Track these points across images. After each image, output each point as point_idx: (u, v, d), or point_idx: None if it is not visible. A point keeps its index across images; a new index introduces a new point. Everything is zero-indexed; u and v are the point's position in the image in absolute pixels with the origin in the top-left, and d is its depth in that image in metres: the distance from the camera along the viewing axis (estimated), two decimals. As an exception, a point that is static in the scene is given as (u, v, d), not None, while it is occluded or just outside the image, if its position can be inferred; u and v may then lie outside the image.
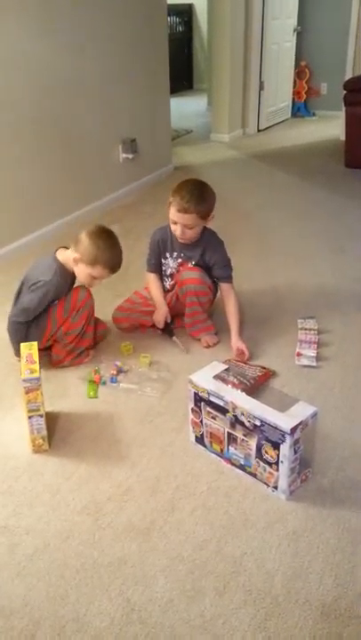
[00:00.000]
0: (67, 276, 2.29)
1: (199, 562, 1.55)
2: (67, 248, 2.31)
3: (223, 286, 2.52)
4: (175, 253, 2.54)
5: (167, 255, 2.57)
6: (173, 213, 2.37)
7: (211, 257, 2.49)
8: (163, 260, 2.59)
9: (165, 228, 2.53)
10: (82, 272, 2.26)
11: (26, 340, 2.17)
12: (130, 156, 4.41)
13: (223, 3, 5.69)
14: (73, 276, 2.32)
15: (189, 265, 2.50)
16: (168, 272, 2.59)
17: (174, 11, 8.43)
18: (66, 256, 2.27)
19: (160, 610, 1.43)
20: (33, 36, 3.35)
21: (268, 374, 2.27)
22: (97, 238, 2.22)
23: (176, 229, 2.41)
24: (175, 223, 2.40)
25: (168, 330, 2.55)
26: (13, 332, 2.28)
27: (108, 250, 2.23)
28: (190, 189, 2.35)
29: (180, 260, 2.54)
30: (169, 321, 2.55)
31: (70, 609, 1.44)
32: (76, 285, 2.35)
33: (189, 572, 1.52)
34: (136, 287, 2.71)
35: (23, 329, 2.26)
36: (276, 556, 1.56)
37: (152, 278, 2.61)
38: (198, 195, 2.34)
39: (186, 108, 7.83)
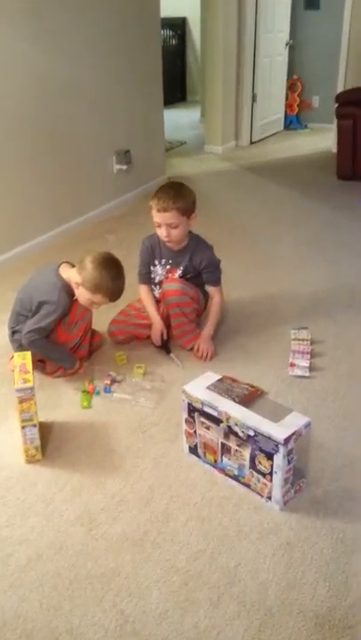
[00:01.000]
0: (69, 294, 2.28)
1: (193, 573, 1.55)
2: (69, 263, 2.32)
3: (210, 289, 2.56)
4: (163, 260, 2.56)
5: (156, 262, 2.58)
6: (155, 215, 2.41)
7: (200, 260, 2.51)
8: (152, 268, 2.60)
9: (154, 235, 2.55)
10: (82, 296, 2.25)
11: (46, 348, 2.25)
12: (124, 167, 4.43)
13: (216, 16, 5.75)
14: (74, 293, 2.31)
15: (178, 271, 2.53)
16: (157, 279, 2.60)
17: (168, 24, 8.50)
18: (69, 275, 2.26)
19: (154, 621, 1.42)
20: (26, 47, 3.37)
21: (256, 393, 2.22)
22: (102, 268, 2.20)
23: (162, 232, 2.44)
24: (159, 226, 2.43)
25: (165, 347, 2.54)
26: (39, 348, 2.25)
27: (112, 281, 2.22)
28: (167, 189, 2.43)
29: (168, 267, 2.55)
30: (165, 338, 2.54)
31: (64, 620, 1.43)
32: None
33: (183, 583, 1.52)
34: (130, 297, 2.71)
35: (43, 340, 2.26)
36: (270, 566, 1.56)
37: (144, 291, 2.62)
38: (175, 192, 2.39)
39: (179, 120, 7.88)
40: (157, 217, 2.41)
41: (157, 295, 2.61)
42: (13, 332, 2.39)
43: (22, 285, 2.39)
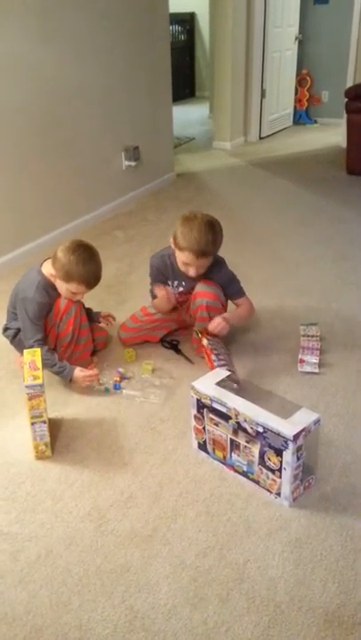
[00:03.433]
0: (51, 289, 2.25)
1: (202, 569, 1.55)
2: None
3: (238, 301, 2.45)
4: (176, 282, 2.48)
5: (168, 283, 2.50)
6: (189, 257, 2.27)
7: (214, 278, 2.41)
8: (165, 287, 2.50)
9: (163, 256, 2.46)
10: (60, 288, 2.23)
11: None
12: (132, 163, 4.43)
13: (225, 11, 5.73)
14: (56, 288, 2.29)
15: (199, 281, 2.41)
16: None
17: (176, 19, 8.48)
18: (48, 270, 2.24)
19: (163, 617, 1.43)
20: (35, 45, 3.37)
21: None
22: (70, 254, 2.16)
23: (189, 270, 2.32)
24: (187, 264, 2.31)
25: (175, 348, 2.52)
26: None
27: (82, 265, 2.16)
28: (204, 232, 2.24)
29: (180, 289, 2.48)
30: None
31: (73, 616, 1.44)
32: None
33: (192, 579, 1.52)
34: (139, 293, 2.71)
35: (41, 349, 2.16)
36: (280, 563, 1.56)
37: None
38: (213, 237, 2.26)
39: (188, 116, 7.87)
40: (191, 260, 2.27)
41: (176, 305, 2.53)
42: (4, 329, 2.40)
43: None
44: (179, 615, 1.43)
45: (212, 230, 2.27)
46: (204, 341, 2.32)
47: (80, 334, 2.34)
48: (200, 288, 2.39)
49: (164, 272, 2.49)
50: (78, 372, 2.23)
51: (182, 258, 2.30)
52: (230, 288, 2.44)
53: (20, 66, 3.29)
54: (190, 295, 2.45)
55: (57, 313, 2.26)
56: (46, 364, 2.20)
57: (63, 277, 2.18)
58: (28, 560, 1.59)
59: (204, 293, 2.37)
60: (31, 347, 2.16)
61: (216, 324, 2.32)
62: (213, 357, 2.27)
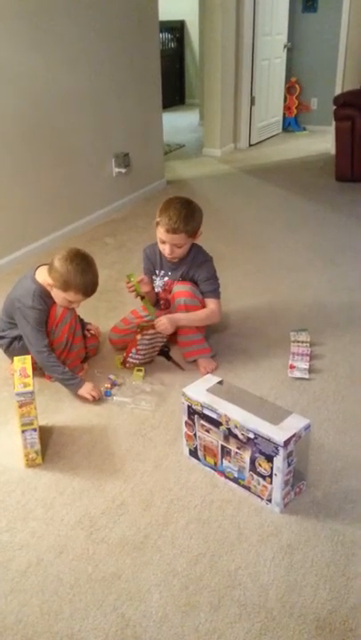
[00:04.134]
0: (47, 297, 2.26)
1: (194, 576, 1.54)
2: (47, 265, 2.28)
3: (207, 301, 2.45)
4: (162, 272, 2.53)
5: (156, 273, 2.55)
6: (162, 233, 2.35)
7: (195, 273, 2.45)
8: (153, 277, 2.57)
9: (154, 245, 2.51)
10: (57, 296, 2.24)
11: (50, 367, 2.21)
12: (123, 170, 4.44)
13: (214, 19, 5.76)
14: (51, 296, 2.29)
15: (176, 283, 2.47)
16: (155, 290, 2.57)
17: (166, 27, 8.52)
18: (44, 277, 2.24)
19: (155, 625, 1.42)
20: (25, 52, 3.38)
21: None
22: (68, 263, 2.16)
23: (165, 249, 2.39)
24: (164, 242, 2.38)
25: (166, 355, 2.53)
26: (48, 367, 2.22)
27: (80, 274, 2.17)
28: (178, 208, 2.32)
29: (166, 279, 2.52)
30: (167, 349, 2.54)
31: (64, 625, 1.43)
32: None
33: (184, 586, 1.52)
34: (129, 300, 2.71)
35: (48, 357, 2.21)
36: (271, 569, 1.56)
37: None
38: (186, 214, 2.32)
39: (178, 123, 7.90)
40: (164, 235, 2.35)
41: (161, 306, 2.57)
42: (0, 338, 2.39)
43: (8, 292, 2.39)
44: (170, 623, 1.43)
45: (187, 209, 2.34)
46: (138, 337, 2.37)
47: (74, 342, 2.35)
48: (177, 289, 2.43)
49: (152, 260, 2.54)
50: (87, 389, 2.23)
51: (158, 235, 2.38)
52: (205, 286, 2.46)
53: (10, 73, 3.29)
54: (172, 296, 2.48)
55: (52, 320, 2.27)
56: (55, 371, 2.22)
57: (61, 286, 2.18)
58: (18, 569, 1.58)
59: (180, 293, 2.41)
60: (40, 353, 2.18)
61: (160, 324, 2.37)
62: (133, 351, 2.39)
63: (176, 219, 2.30)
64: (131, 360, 2.42)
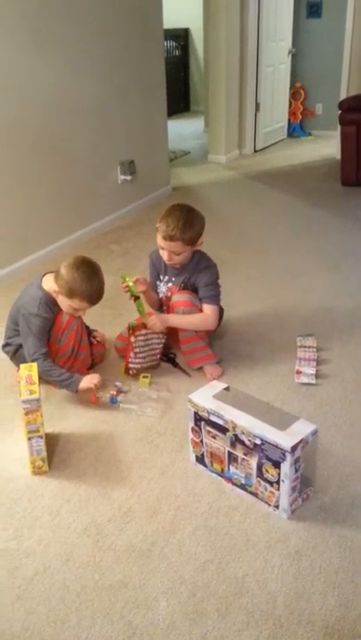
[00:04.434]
0: (53, 305, 2.26)
1: (201, 583, 1.54)
2: (53, 272, 2.29)
3: (203, 306, 2.42)
4: (167, 277, 2.53)
5: (160, 278, 2.56)
6: (160, 239, 2.35)
7: (197, 279, 2.44)
8: (157, 283, 2.58)
9: (158, 251, 2.51)
10: (63, 304, 2.25)
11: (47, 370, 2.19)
12: (128, 177, 4.45)
13: (218, 27, 5.79)
14: (57, 303, 2.29)
15: (178, 289, 2.48)
16: (160, 296, 2.58)
17: (171, 35, 8.56)
18: (50, 285, 2.25)
19: (162, 633, 1.41)
20: (29, 59, 3.40)
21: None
22: (74, 270, 2.17)
23: (164, 255, 2.40)
24: (162, 248, 2.38)
25: (172, 361, 2.53)
26: (44, 371, 2.18)
27: (85, 282, 2.17)
28: (177, 216, 2.32)
29: (169, 285, 2.52)
30: (173, 355, 2.55)
31: (71, 633, 1.43)
32: None
33: (191, 593, 1.51)
34: (135, 307, 2.70)
35: (43, 362, 2.19)
36: (279, 576, 1.55)
37: None
38: (184, 222, 2.31)
39: (183, 130, 7.92)
40: (161, 242, 2.35)
41: (165, 312, 2.56)
42: (4, 345, 2.40)
43: (15, 300, 2.40)
44: (178, 630, 1.42)
45: (185, 217, 2.33)
46: (132, 339, 2.38)
47: (80, 349, 2.35)
48: (175, 299, 2.43)
49: (157, 266, 2.55)
50: (86, 380, 2.21)
51: (157, 241, 2.39)
52: (203, 291, 2.43)
53: (15, 80, 3.31)
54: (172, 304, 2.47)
55: (58, 328, 2.27)
56: (52, 375, 2.21)
57: (67, 294, 2.19)
58: (25, 576, 1.58)
59: (179, 303, 2.41)
60: (35, 360, 2.15)
61: (152, 324, 2.37)
62: (131, 355, 2.40)
63: (173, 226, 2.30)
64: (132, 365, 2.41)
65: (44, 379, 2.29)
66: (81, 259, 2.24)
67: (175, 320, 2.41)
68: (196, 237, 2.37)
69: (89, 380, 2.22)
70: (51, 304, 2.25)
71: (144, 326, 2.39)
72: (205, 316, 2.41)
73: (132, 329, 2.39)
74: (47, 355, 2.23)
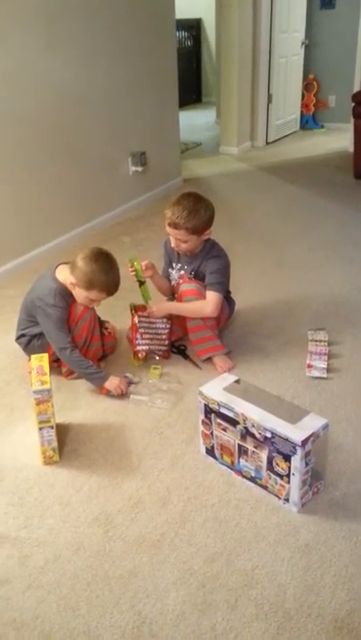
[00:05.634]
0: (67, 296, 2.27)
1: (210, 575, 1.54)
2: (67, 263, 2.30)
3: (207, 292, 2.39)
4: (179, 265, 2.54)
5: (173, 265, 2.57)
6: (166, 226, 2.39)
7: (206, 268, 2.44)
8: (170, 270, 2.59)
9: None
10: (79, 295, 2.25)
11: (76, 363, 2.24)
12: (139, 168, 4.44)
13: (231, 17, 5.74)
14: (72, 294, 2.30)
15: (187, 277, 2.49)
16: (172, 283, 2.59)
17: (183, 25, 8.51)
18: (65, 276, 2.25)
19: (171, 623, 1.42)
20: (41, 51, 3.39)
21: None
22: (92, 262, 2.18)
23: (171, 241, 2.44)
24: (169, 234, 2.42)
25: (182, 353, 2.53)
26: (72, 363, 2.24)
27: (104, 273, 2.20)
28: (184, 205, 2.32)
29: (181, 272, 2.53)
30: (184, 347, 2.56)
31: (81, 622, 1.44)
32: None
33: (201, 585, 1.51)
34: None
35: (71, 353, 2.22)
36: (288, 569, 1.55)
37: None
38: (190, 211, 2.30)
39: (195, 122, 7.89)
40: (167, 228, 2.38)
41: (176, 299, 2.56)
42: (20, 336, 2.40)
43: (27, 291, 2.40)
44: (187, 621, 1.42)
45: (192, 206, 2.33)
46: (135, 319, 2.42)
47: (92, 340, 2.36)
48: (183, 288, 2.44)
49: (170, 253, 2.58)
50: (113, 383, 2.24)
51: (166, 227, 2.40)
52: (209, 278, 2.42)
53: (27, 74, 3.31)
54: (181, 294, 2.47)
55: (72, 318, 2.28)
56: (81, 366, 2.24)
57: (84, 285, 2.20)
58: (36, 565, 1.59)
59: (186, 292, 2.42)
60: (63, 349, 2.21)
61: (150, 312, 2.45)
62: (137, 336, 2.44)
63: (178, 215, 2.31)
64: (139, 348, 2.44)
65: (55, 369, 2.30)
66: (98, 250, 2.25)
67: (174, 307, 2.48)
68: (202, 227, 2.36)
69: (116, 385, 2.24)
70: (66, 295, 2.26)
71: (144, 308, 2.45)
72: (204, 302, 2.38)
73: (135, 308, 2.44)
74: (72, 344, 2.25)
